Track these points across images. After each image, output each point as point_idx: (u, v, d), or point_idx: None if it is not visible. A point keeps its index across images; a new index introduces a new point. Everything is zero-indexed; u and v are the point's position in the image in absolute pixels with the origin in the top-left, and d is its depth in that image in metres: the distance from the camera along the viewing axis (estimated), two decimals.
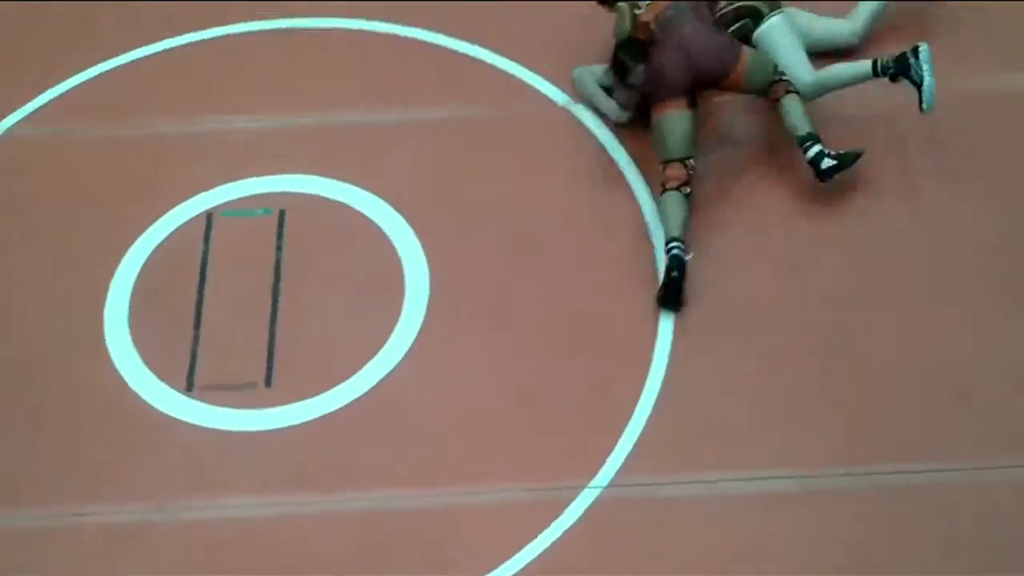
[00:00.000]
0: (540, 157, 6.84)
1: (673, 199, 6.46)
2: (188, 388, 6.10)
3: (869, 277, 6.37)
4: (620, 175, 6.75)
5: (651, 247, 6.48)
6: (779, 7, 6.97)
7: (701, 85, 6.66)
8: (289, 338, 6.23)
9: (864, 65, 6.81)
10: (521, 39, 7.26)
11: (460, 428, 6.00)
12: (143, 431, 6.00)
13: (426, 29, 7.33)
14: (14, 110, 7.04)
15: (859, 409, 5.98)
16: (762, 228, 6.55)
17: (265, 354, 6.19)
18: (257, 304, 6.34)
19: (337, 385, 6.10)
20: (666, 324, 6.22)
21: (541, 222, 6.59)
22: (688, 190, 6.47)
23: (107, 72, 7.22)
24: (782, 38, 6.90)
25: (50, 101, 7.10)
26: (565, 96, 7.04)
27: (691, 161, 6.52)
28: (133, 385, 6.10)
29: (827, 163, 6.54)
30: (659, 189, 6.52)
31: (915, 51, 6.69)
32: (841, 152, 6.56)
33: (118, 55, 7.25)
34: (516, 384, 6.10)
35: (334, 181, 6.74)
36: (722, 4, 6.95)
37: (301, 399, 6.07)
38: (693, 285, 6.31)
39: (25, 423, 6.04)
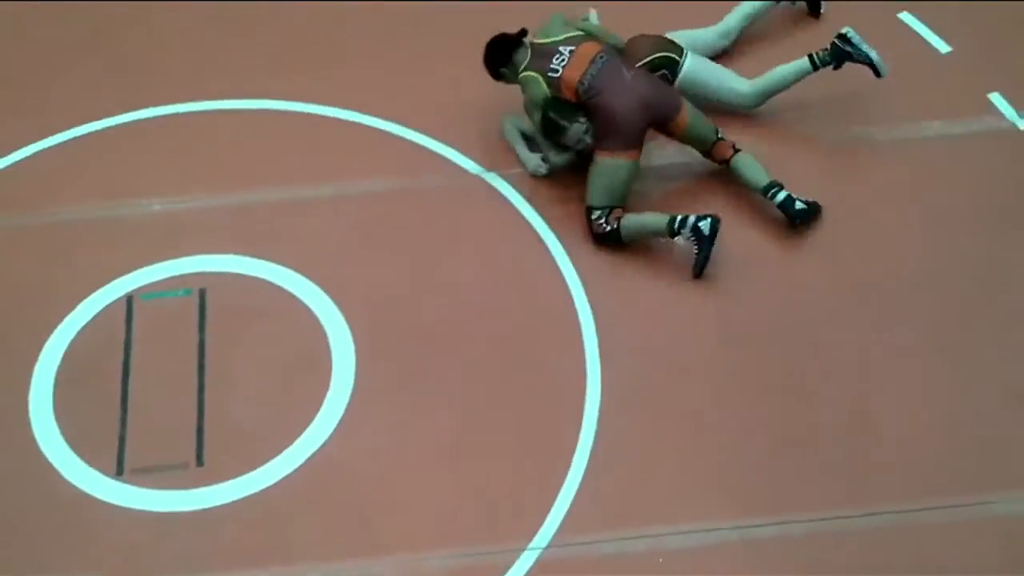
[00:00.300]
0: (457, 225, 6.92)
1: (633, 216, 6.70)
2: (118, 472, 6.04)
3: (800, 324, 6.51)
4: (537, 238, 6.84)
5: (573, 306, 6.56)
6: (682, 48, 7.18)
7: (651, 127, 6.86)
8: (218, 416, 6.21)
9: (802, 63, 7.10)
10: (429, 112, 7.35)
11: (395, 497, 6.00)
12: (75, 517, 5.91)
13: (336, 106, 7.40)
14: None
15: (794, 457, 6.08)
16: (682, 279, 6.68)
17: (194, 433, 6.15)
18: (183, 384, 6.30)
19: (269, 461, 6.08)
20: (594, 378, 6.29)
21: (463, 287, 6.66)
22: None
23: (17, 162, 7.17)
24: (704, 69, 7.17)
25: None
26: (478, 165, 7.13)
27: None
28: (63, 471, 6.02)
29: (800, 205, 6.76)
30: (589, 236, 6.77)
31: (843, 38, 7.04)
32: (809, 200, 6.79)
33: (27, 144, 7.21)
34: (448, 449, 6.12)
35: (253, 259, 6.75)
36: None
37: (233, 477, 6.04)
38: (617, 340, 6.44)
39: None
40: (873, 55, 7.01)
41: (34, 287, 6.65)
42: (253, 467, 6.06)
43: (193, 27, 7.81)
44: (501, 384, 6.33)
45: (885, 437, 6.12)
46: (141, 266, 6.70)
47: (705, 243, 6.55)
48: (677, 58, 7.13)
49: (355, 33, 7.69)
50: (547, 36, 7.00)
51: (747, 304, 6.58)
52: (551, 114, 6.83)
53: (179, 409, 6.22)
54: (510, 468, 6.06)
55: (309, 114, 7.36)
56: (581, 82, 6.80)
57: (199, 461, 6.08)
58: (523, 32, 7.06)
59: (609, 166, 6.73)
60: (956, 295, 6.59)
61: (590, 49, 6.91)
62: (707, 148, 6.94)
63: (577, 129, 6.81)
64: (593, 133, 6.81)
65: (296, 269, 6.70)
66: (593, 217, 6.73)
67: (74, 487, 5.99)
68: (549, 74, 6.87)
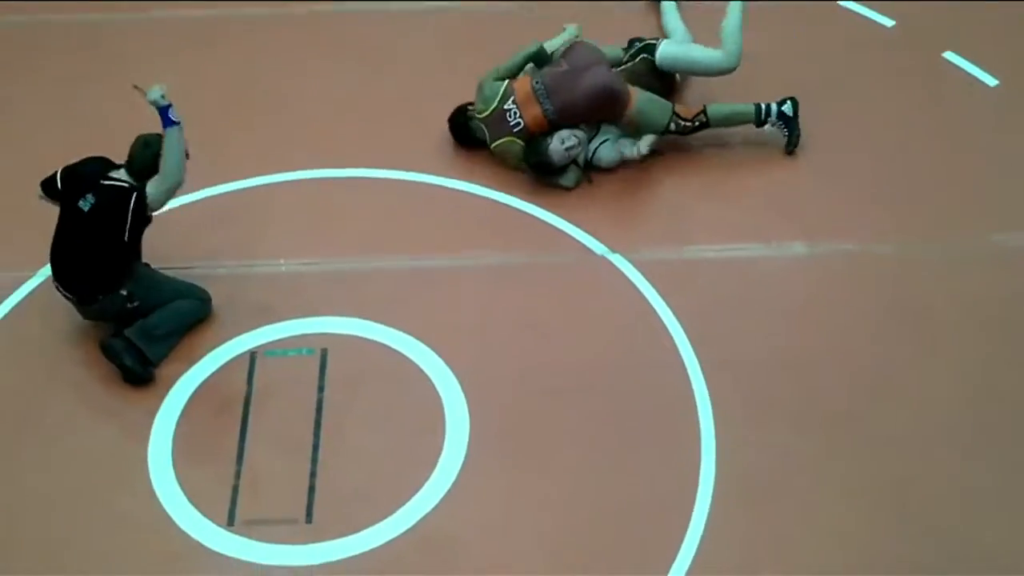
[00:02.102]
0: (579, 303, 6.95)
1: (719, 106, 7.48)
2: (229, 522, 6.10)
3: (923, 431, 6.42)
4: (658, 321, 6.83)
5: (691, 392, 6.53)
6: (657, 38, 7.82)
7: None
8: (330, 475, 6.25)
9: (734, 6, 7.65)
10: (559, 191, 7.45)
11: (503, 567, 5.96)
12: (185, 564, 6.00)
13: (468, 180, 7.52)
14: None
15: (905, 545, 5.99)
16: (801, 365, 6.64)
17: (306, 490, 6.20)
18: (299, 441, 6.37)
19: (378, 523, 6.10)
20: (708, 465, 6.24)
21: (581, 365, 6.66)
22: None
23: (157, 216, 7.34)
24: (679, 49, 7.64)
25: None
26: (603, 246, 7.16)
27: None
28: (176, 519, 6.11)
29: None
30: (686, 131, 7.49)
31: None
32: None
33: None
34: (555, 526, 6.09)
35: (375, 324, 6.83)
36: (625, 59, 7.70)
37: (341, 536, 6.07)
38: (733, 429, 6.38)
39: (70, 554, 6.02)
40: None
41: None
42: (360, 528, 6.09)
43: (335, 100, 8.03)
44: (612, 466, 6.30)
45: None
46: (266, 324, 6.81)
47: (792, 123, 7.45)
48: (654, 43, 7.70)
49: None
50: (488, 104, 7.41)
51: (861, 399, 6.52)
52: (533, 160, 7.34)
53: (293, 466, 6.28)
54: (616, 552, 6.00)
55: (441, 186, 7.48)
56: (546, 113, 7.34)
57: (308, 518, 6.12)
58: (464, 107, 7.49)
59: (639, 107, 7.36)
60: None
61: (524, 86, 7.40)
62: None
63: (556, 146, 7.26)
64: (580, 136, 7.35)
65: (417, 336, 6.77)
66: (673, 129, 7.42)
67: (186, 534, 6.07)
68: (515, 131, 7.31)
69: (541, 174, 7.38)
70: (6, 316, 6.89)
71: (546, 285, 7.03)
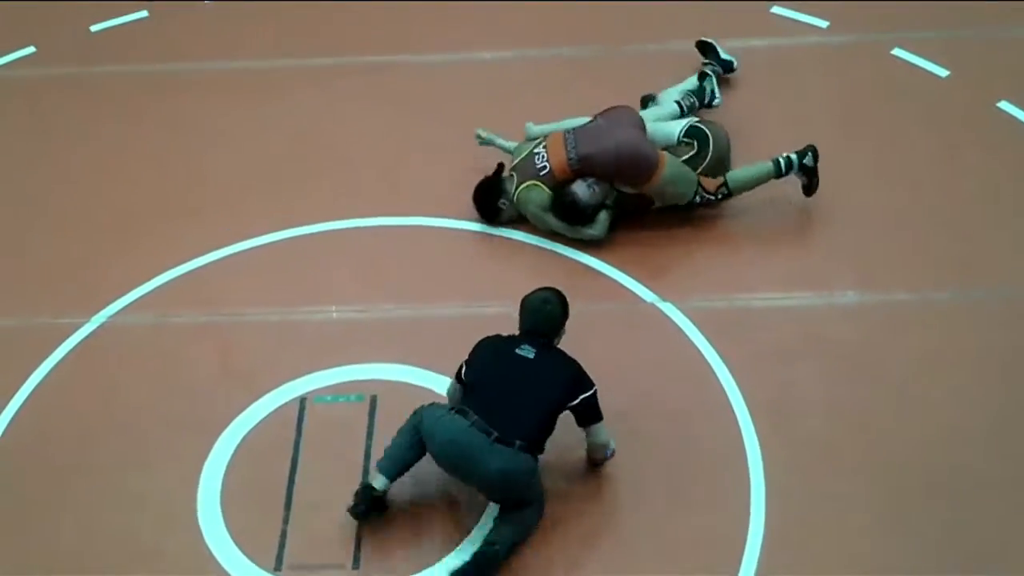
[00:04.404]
0: (628, 350, 6.94)
1: (736, 173, 7.42)
2: (276, 567, 6.11)
3: (961, 473, 6.36)
4: (708, 368, 6.80)
5: (740, 440, 6.49)
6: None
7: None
8: (377, 521, 6.24)
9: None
10: (609, 240, 7.45)
11: None
12: None
13: (516, 229, 7.57)
14: (117, 298, 7.24)
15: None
16: (850, 412, 6.59)
17: (353, 537, 6.20)
18: (347, 487, 6.34)
19: (424, 569, 6.09)
20: (757, 512, 6.19)
21: (629, 411, 6.61)
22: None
23: (207, 264, 7.45)
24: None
25: (152, 290, 7.33)
26: (653, 294, 7.15)
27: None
28: (223, 562, 6.13)
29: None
30: (709, 202, 7.41)
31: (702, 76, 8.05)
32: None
33: (219, 248, 7.50)
34: (605, 569, 6.05)
35: (424, 370, 6.84)
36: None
37: None
38: (782, 476, 6.34)
39: None
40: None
41: (213, 383, 6.86)
42: (408, 574, 6.07)
43: (387, 150, 8.11)
44: (661, 513, 6.27)
45: None
46: (316, 370, 6.85)
47: (813, 173, 7.36)
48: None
49: None
50: (520, 154, 7.49)
51: (914, 447, 6.46)
52: (562, 204, 7.31)
53: (341, 512, 6.26)
54: None
55: (491, 235, 7.53)
56: (570, 158, 7.34)
57: (355, 564, 6.12)
58: (500, 167, 7.50)
59: (667, 178, 7.29)
60: None
61: (556, 135, 7.47)
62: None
63: (580, 186, 7.29)
64: (601, 186, 7.34)
65: None
66: (698, 201, 7.35)
67: None
68: (541, 174, 7.34)
69: (570, 220, 7.33)
70: (61, 361, 6.97)
71: (596, 333, 7.00)
